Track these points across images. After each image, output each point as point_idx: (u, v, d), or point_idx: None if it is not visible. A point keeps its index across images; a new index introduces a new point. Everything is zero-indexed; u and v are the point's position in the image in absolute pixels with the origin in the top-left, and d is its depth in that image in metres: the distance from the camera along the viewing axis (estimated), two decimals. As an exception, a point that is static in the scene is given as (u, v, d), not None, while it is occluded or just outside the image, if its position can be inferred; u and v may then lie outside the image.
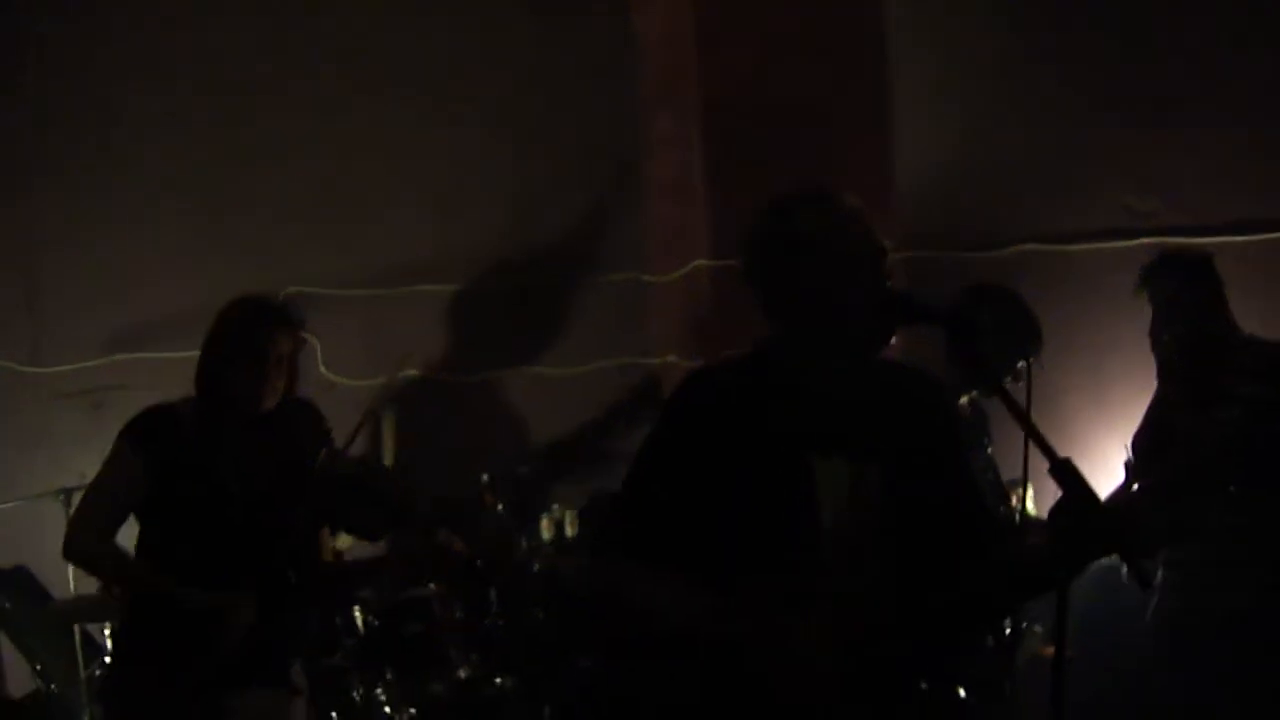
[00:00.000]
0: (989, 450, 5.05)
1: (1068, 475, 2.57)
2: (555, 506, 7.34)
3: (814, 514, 2.93)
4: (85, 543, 4.20)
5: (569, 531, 7.26)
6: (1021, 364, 4.50)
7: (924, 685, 3.08)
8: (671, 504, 2.98)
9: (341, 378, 7.67)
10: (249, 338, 4.15)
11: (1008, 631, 4.63)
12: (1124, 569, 2.81)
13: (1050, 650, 4.99)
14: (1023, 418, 2.71)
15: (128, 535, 4.31)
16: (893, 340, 2.99)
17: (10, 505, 6.57)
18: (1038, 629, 5.27)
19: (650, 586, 3.00)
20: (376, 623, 6.06)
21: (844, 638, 2.82)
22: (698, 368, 3.16)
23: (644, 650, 3.17)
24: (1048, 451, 2.61)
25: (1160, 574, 4.85)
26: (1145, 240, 6.86)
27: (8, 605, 6.83)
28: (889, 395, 3.10)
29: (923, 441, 3.08)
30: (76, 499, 4.80)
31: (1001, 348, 4.48)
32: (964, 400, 4.92)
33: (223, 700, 4.11)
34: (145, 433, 4.17)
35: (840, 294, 2.91)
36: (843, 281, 2.91)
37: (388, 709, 5.92)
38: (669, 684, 3.05)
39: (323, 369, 7.65)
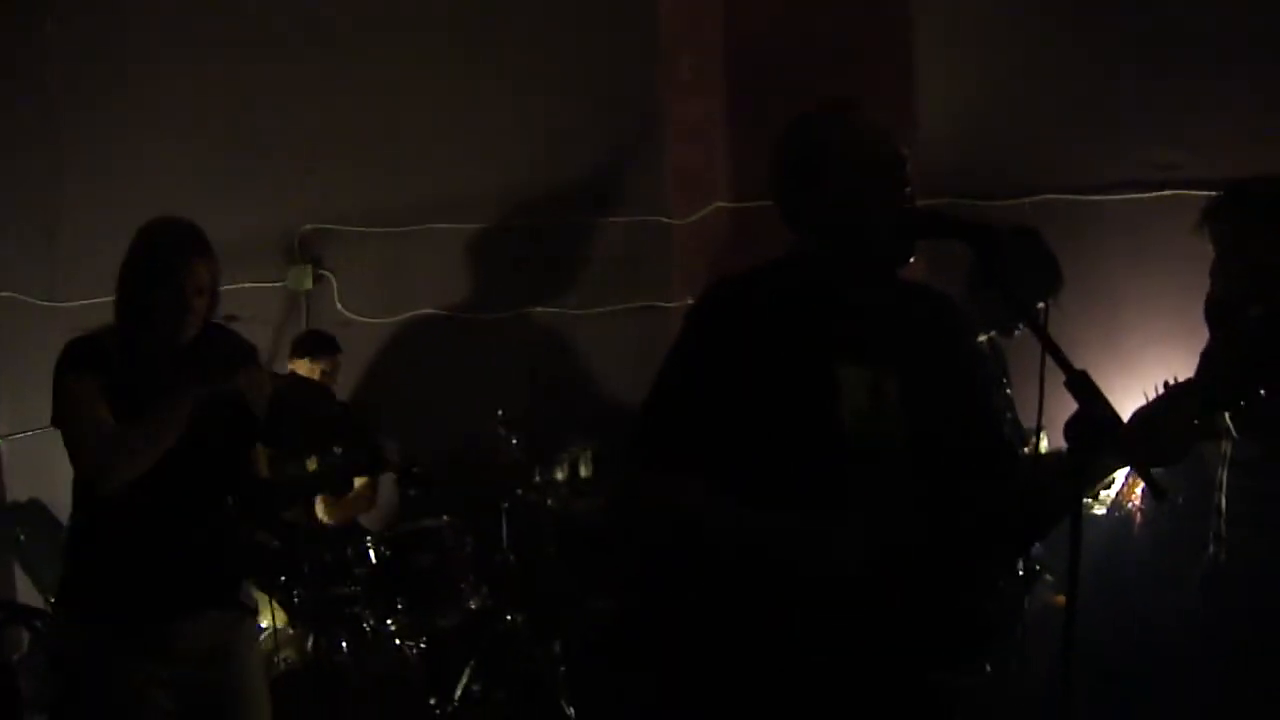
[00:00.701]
0: (1008, 390, 5.05)
1: (1083, 387, 2.55)
2: (570, 447, 7.37)
3: (836, 420, 2.94)
4: (111, 445, 3.96)
5: (583, 472, 7.29)
6: (1040, 305, 4.51)
7: (946, 598, 3.08)
8: (697, 410, 2.99)
9: (358, 315, 7.68)
10: (167, 266, 4.00)
11: (1019, 573, 4.63)
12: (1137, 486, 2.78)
13: (1060, 599, 5.02)
14: (1040, 331, 2.70)
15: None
16: (913, 259, 2.99)
17: (25, 435, 6.60)
18: (1048, 578, 5.29)
19: (681, 492, 3.01)
20: (388, 553, 6.09)
21: (870, 543, 2.83)
22: (721, 277, 3.15)
23: (664, 581, 3.18)
24: (1064, 364, 2.60)
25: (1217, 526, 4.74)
26: (1167, 192, 6.83)
27: (23, 537, 6.88)
28: (910, 311, 3.12)
29: (942, 359, 3.10)
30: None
31: (1013, 293, 4.46)
32: (983, 339, 4.92)
33: (173, 624, 4.04)
34: (86, 356, 4.03)
35: (863, 204, 2.93)
36: (866, 191, 2.93)
37: (398, 640, 5.95)
38: (689, 617, 3.07)
39: (339, 306, 7.68)
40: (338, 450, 4.68)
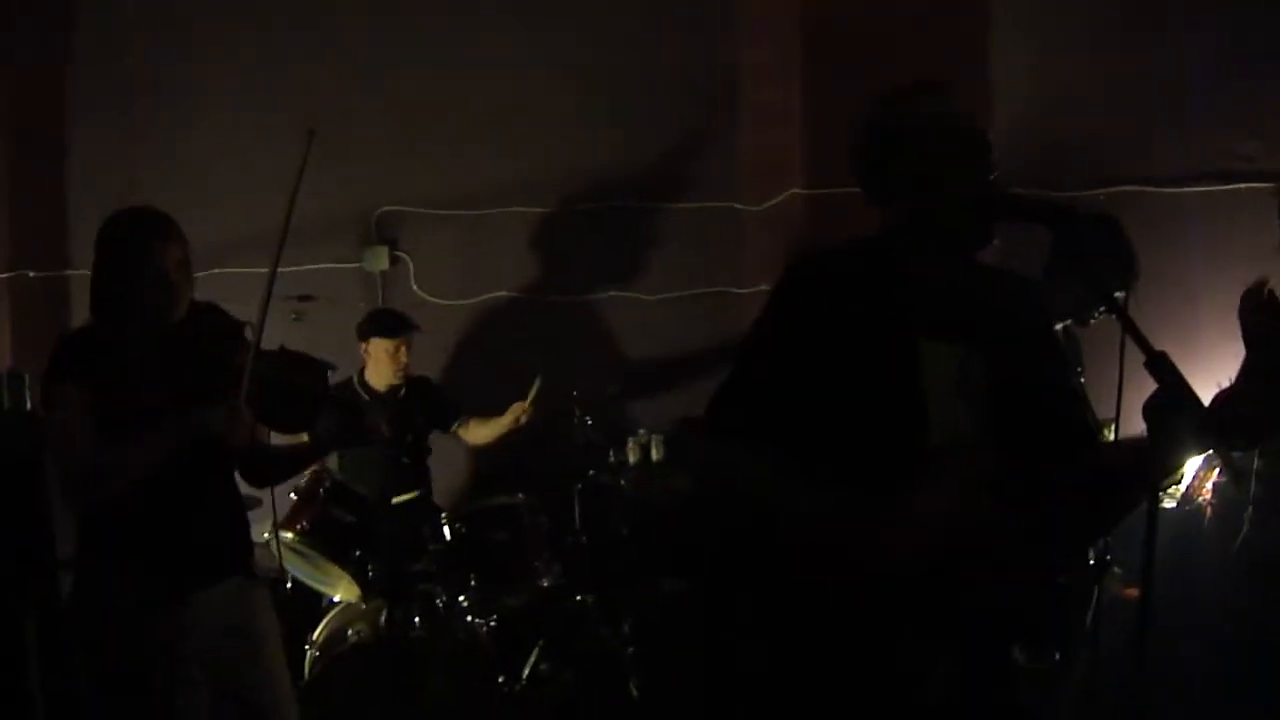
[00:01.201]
0: (1082, 380, 5.04)
1: (1163, 368, 2.56)
2: (641, 430, 7.40)
3: (920, 397, 2.96)
4: (87, 469, 4.00)
5: (655, 456, 7.32)
6: (1119, 294, 4.49)
7: (1021, 578, 3.09)
8: (777, 384, 3.03)
9: (433, 297, 7.73)
10: (142, 252, 4.00)
11: (1089, 563, 4.62)
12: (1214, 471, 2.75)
13: (1130, 591, 5.02)
14: (1121, 313, 2.69)
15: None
16: (994, 240, 3.01)
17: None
18: (1117, 570, 5.27)
19: (755, 464, 3.04)
20: (463, 529, 6.13)
21: (950, 520, 2.86)
22: (806, 253, 3.17)
23: (738, 554, 3.20)
24: (1144, 345, 2.60)
25: (1248, 511, 4.78)
26: (1243, 185, 6.79)
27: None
28: (991, 292, 3.13)
29: (1023, 341, 3.11)
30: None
31: (1094, 276, 4.46)
32: (1059, 328, 4.90)
33: (186, 598, 4.08)
34: (73, 361, 4.05)
35: (947, 184, 2.94)
36: (950, 171, 2.94)
37: (469, 616, 5.98)
38: (762, 592, 3.11)
39: (415, 288, 7.72)
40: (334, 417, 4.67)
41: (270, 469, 4.60)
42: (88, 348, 4.09)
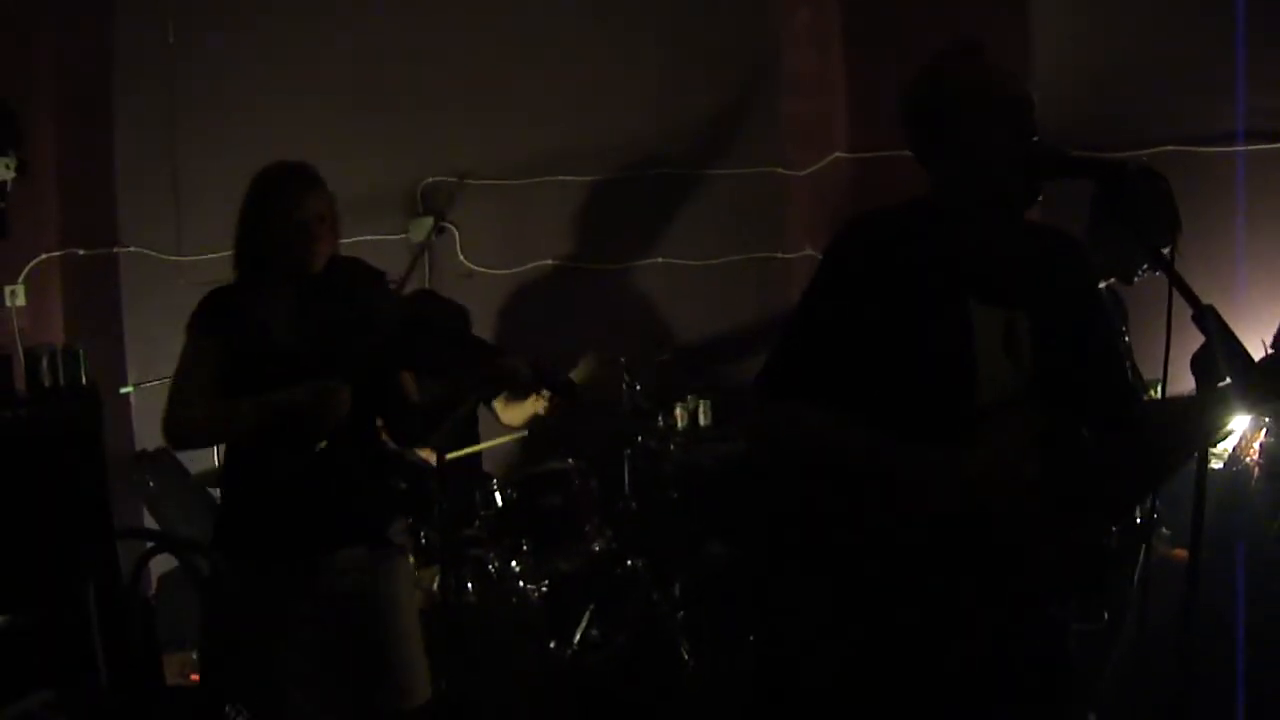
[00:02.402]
0: (1126, 339, 5.04)
1: (1211, 322, 2.58)
2: (690, 396, 7.44)
3: (971, 357, 3.01)
4: (185, 416, 4.12)
5: (703, 420, 7.36)
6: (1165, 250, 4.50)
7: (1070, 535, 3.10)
8: (829, 343, 3.07)
9: (480, 267, 7.78)
10: (286, 203, 4.10)
11: (1137, 522, 4.64)
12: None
13: (1178, 552, 5.03)
14: (1168, 268, 2.72)
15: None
16: (1040, 197, 3.03)
17: (153, 385, 6.73)
18: (1165, 531, 5.28)
19: (815, 419, 3.09)
20: (515, 495, 6.19)
21: (1000, 477, 2.90)
22: (857, 215, 3.20)
23: (786, 523, 3.23)
24: (1192, 299, 2.62)
25: None
26: (1282, 144, 6.77)
27: (152, 484, 7.03)
28: (1039, 251, 3.17)
29: (1071, 300, 3.15)
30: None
31: (1143, 229, 4.48)
32: (1102, 286, 4.91)
33: (320, 560, 4.15)
34: (213, 315, 4.13)
35: (993, 143, 2.97)
36: (995, 130, 2.97)
37: (521, 582, 6.03)
38: (810, 549, 3.15)
39: (461, 257, 7.77)
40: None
41: (416, 425, 4.63)
42: (227, 302, 4.16)
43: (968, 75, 3.04)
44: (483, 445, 6.66)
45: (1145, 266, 4.74)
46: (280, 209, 4.11)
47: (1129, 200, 2.83)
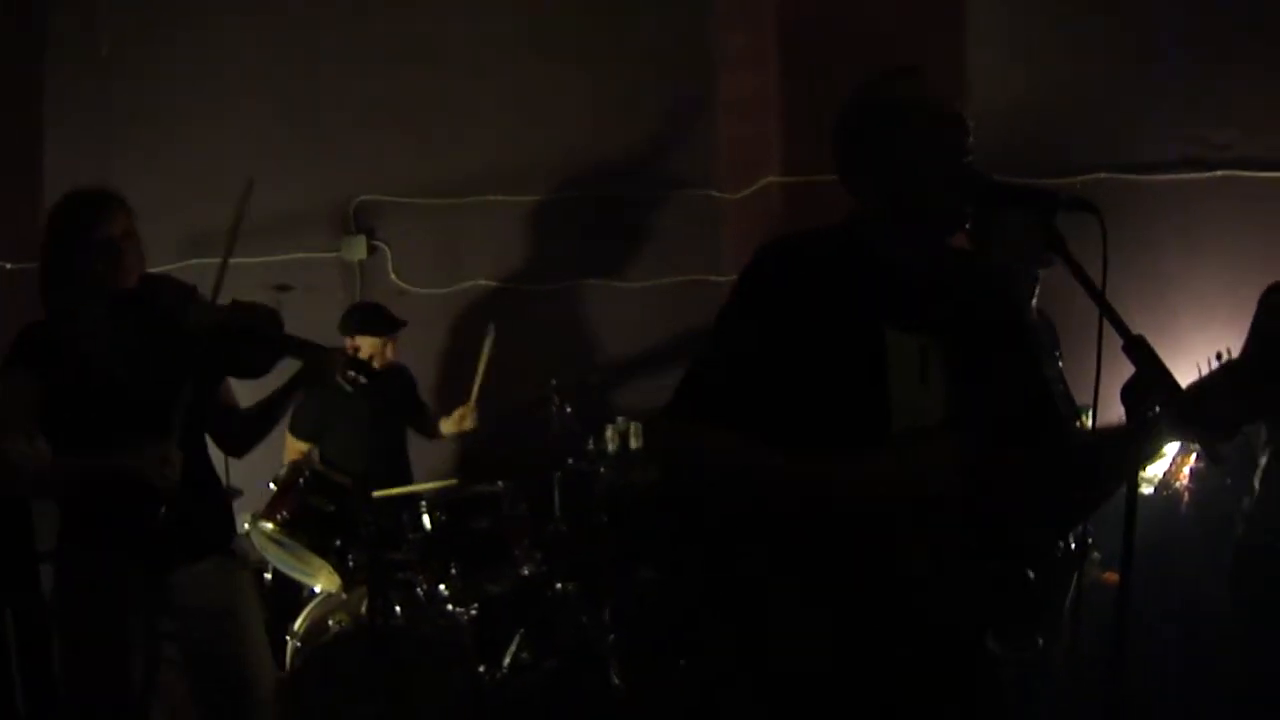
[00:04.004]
0: (1059, 363, 5.04)
1: (1141, 352, 2.57)
2: (620, 418, 7.42)
3: (884, 384, 2.96)
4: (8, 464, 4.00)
5: (633, 444, 7.34)
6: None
7: (992, 562, 3.09)
8: (742, 369, 3.01)
9: (412, 286, 7.74)
10: (87, 225, 4.09)
11: (1069, 548, 4.65)
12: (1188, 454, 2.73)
13: (1109, 576, 5.04)
14: (1096, 293, 2.68)
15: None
16: (967, 225, 3.02)
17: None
18: (1096, 555, 5.30)
19: (728, 442, 3.01)
20: (444, 517, 6.14)
21: (913, 480, 2.86)
22: (775, 239, 3.18)
23: (704, 545, 3.21)
24: (1122, 330, 2.62)
25: (1245, 501, 4.80)
26: (1219, 173, 6.82)
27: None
28: (962, 279, 3.14)
29: (991, 328, 3.11)
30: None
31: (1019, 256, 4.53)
32: (1033, 307, 4.90)
33: (166, 578, 4.14)
34: (30, 350, 4.07)
35: (926, 166, 2.94)
36: (926, 153, 2.94)
37: (450, 605, 5.98)
38: (735, 586, 3.12)
39: (393, 276, 7.73)
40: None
41: (243, 432, 4.63)
42: (42, 335, 4.11)
43: (905, 92, 3.02)
44: (416, 487, 6.62)
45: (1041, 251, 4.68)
46: (83, 229, 4.10)
47: (1051, 224, 2.82)
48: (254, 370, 4.42)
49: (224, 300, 4.32)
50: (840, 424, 2.95)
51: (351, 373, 4.70)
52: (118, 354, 4.11)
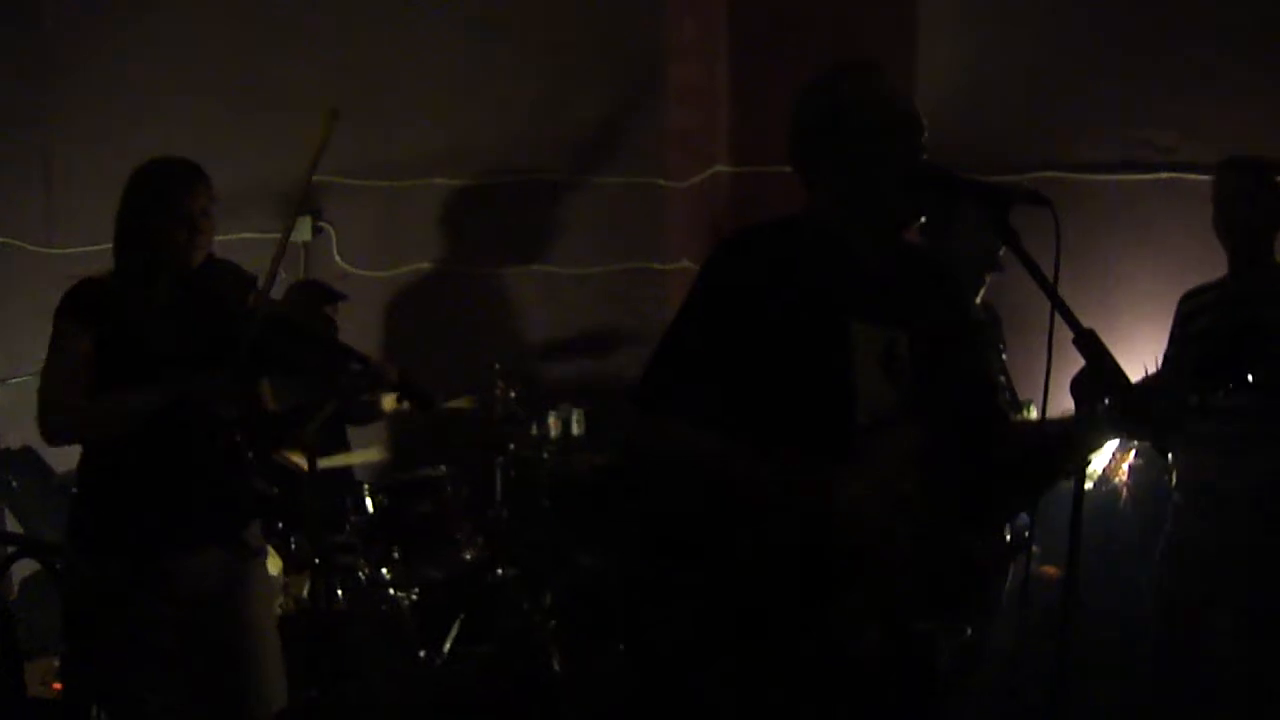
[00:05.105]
0: (1004, 356, 5.08)
1: (1091, 346, 2.61)
2: (563, 405, 7.42)
3: (849, 376, 3.00)
4: (64, 409, 4.09)
5: (575, 429, 7.34)
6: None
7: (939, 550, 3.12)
8: (705, 360, 3.04)
9: (356, 268, 7.71)
10: (173, 195, 4.14)
11: (1006, 539, 4.68)
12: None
13: (1048, 569, 5.10)
14: (1049, 288, 2.74)
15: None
16: (922, 218, 3.05)
17: (18, 381, 6.61)
18: (1036, 549, 5.34)
19: (694, 437, 3.05)
20: (385, 501, 6.15)
21: (877, 496, 2.89)
22: (736, 230, 3.19)
23: (658, 538, 3.22)
24: (1073, 323, 2.65)
25: (1174, 497, 4.91)
26: (1163, 174, 6.89)
27: (15, 484, 6.88)
28: (916, 272, 3.18)
29: (946, 321, 3.17)
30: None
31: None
32: (979, 302, 4.93)
33: (177, 562, 4.13)
34: (86, 305, 4.12)
35: (881, 161, 2.99)
36: (885, 148, 2.99)
37: (392, 590, 5.98)
38: (680, 575, 3.14)
39: (338, 258, 7.70)
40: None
41: (273, 430, 4.64)
42: (102, 291, 4.14)
43: (867, 91, 3.05)
44: (354, 457, 6.61)
45: (1001, 250, 4.73)
46: (171, 200, 4.12)
47: (1004, 220, 2.85)
48: (298, 369, 4.45)
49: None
50: (805, 415, 2.99)
51: (405, 403, 4.72)
52: (170, 326, 4.14)
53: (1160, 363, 4.93)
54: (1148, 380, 2.80)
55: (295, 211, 4.42)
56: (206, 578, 4.18)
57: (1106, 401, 2.67)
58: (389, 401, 6.88)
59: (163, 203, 4.13)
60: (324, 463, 6.07)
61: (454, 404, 6.83)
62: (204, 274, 4.22)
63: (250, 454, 4.75)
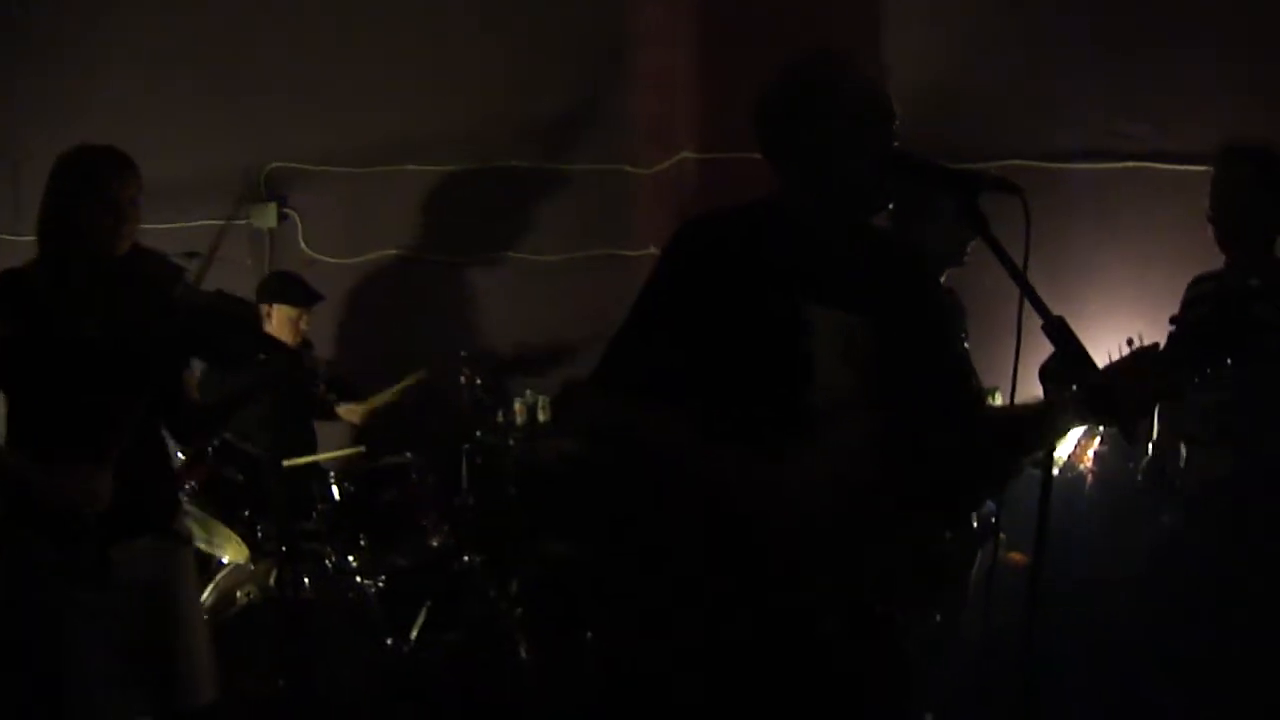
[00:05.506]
0: (965, 344, 5.09)
1: (1060, 333, 2.62)
2: (529, 392, 7.41)
3: (807, 362, 2.99)
4: None
5: (541, 416, 7.34)
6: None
7: (904, 538, 3.12)
8: (667, 341, 3.04)
9: (322, 255, 7.68)
10: (101, 182, 4.08)
11: (972, 526, 4.70)
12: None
13: (1014, 556, 5.12)
14: (1018, 275, 2.73)
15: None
16: (889, 204, 3.06)
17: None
18: (1002, 536, 5.36)
19: (644, 420, 3.05)
20: (352, 489, 6.12)
21: (830, 485, 2.90)
22: (700, 213, 3.19)
23: (618, 524, 3.22)
24: (1042, 310, 2.66)
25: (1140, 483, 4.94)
26: (1130, 164, 6.91)
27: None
28: (883, 257, 3.17)
29: (912, 306, 3.16)
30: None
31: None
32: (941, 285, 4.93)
33: (104, 553, 4.06)
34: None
35: (850, 151, 2.97)
36: (854, 139, 2.97)
37: (358, 577, 5.97)
38: (642, 563, 3.14)
39: (304, 246, 7.67)
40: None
41: (198, 422, 4.59)
42: (18, 281, 4.10)
43: (840, 77, 3.04)
44: (321, 456, 6.61)
45: (971, 240, 4.73)
46: (99, 186, 4.08)
47: (974, 202, 2.86)
48: (226, 359, 4.42)
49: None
50: (763, 399, 2.98)
51: (323, 387, 4.69)
52: (95, 316, 4.08)
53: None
54: (1116, 365, 2.81)
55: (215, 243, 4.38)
56: (139, 567, 4.14)
57: (1075, 388, 2.68)
58: (354, 411, 6.90)
59: (91, 189, 4.08)
60: (294, 462, 6.12)
61: (403, 383, 6.86)
62: (128, 263, 4.17)
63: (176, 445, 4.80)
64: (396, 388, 6.90)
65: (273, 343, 4.47)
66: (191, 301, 4.17)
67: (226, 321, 4.30)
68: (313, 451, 6.68)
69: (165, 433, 4.45)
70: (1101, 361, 2.76)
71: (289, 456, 6.06)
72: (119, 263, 4.15)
